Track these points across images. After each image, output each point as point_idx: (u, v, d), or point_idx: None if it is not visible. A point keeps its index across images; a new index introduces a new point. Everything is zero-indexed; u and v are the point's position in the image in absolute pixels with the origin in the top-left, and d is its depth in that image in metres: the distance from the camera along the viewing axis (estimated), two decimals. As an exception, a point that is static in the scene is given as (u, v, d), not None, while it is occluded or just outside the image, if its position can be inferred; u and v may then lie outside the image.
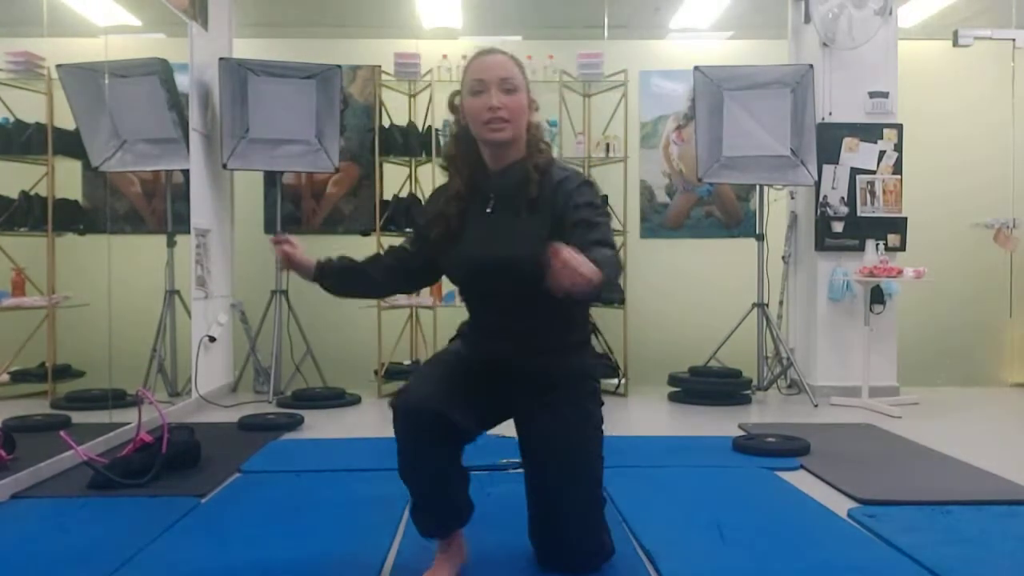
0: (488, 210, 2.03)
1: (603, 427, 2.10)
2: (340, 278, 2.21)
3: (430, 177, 5.00)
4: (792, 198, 5.22)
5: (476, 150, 2.05)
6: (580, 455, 2.03)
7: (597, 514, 2.06)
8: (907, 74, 5.05)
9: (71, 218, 4.52)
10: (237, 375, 5.09)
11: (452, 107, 2.07)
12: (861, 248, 4.83)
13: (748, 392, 4.81)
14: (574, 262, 1.58)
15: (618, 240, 4.90)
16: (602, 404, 2.12)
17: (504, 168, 2.02)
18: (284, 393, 4.81)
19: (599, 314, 5.03)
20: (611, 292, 1.84)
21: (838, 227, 4.93)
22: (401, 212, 5.05)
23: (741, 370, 4.84)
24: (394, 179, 5.27)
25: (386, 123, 5.12)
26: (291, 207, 5.46)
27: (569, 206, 1.91)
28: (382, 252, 2.28)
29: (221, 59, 4.73)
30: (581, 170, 5.16)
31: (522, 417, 2.08)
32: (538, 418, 2.03)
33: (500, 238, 1.99)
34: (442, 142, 2.43)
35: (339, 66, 4.83)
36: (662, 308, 5.49)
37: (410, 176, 5.30)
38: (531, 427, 2.06)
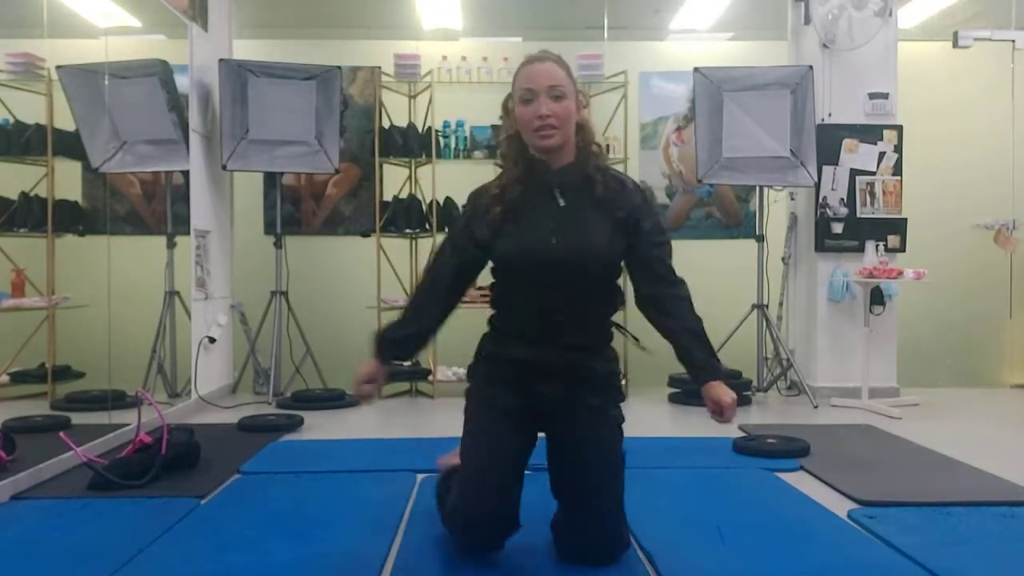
0: (561, 203, 2.06)
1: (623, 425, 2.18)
2: (415, 342, 2.24)
3: (430, 178, 5.00)
4: (792, 199, 5.22)
5: (528, 149, 2.10)
6: (610, 457, 2.10)
7: (621, 510, 2.13)
8: (907, 75, 5.05)
9: (71, 219, 4.52)
10: (237, 376, 5.08)
11: (505, 110, 2.14)
12: (861, 249, 4.83)
13: (748, 393, 4.81)
14: (734, 402, 2.02)
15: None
16: (624, 400, 2.20)
17: (562, 168, 2.09)
18: (284, 394, 4.81)
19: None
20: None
21: (838, 228, 4.93)
22: (401, 213, 5.06)
23: (741, 371, 4.84)
24: (394, 180, 5.27)
25: (386, 124, 5.12)
26: (291, 208, 5.46)
27: (641, 229, 2.08)
28: (433, 275, 2.22)
29: (221, 60, 4.73)
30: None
31: (552, 418, 2.11)
32: (570, 421, 2.09)
33: (575, 229, 2.04)
34: (497, 141, 2.44)
35: (339, 67, 4.83)
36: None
37: (410, 177, 5.30)
38: (562, 429, 2.11)
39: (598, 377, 2.12)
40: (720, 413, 2.04)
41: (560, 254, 2.03)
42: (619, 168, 5.05)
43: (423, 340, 2.23)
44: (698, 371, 2.07)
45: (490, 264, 2.16)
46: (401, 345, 2.21)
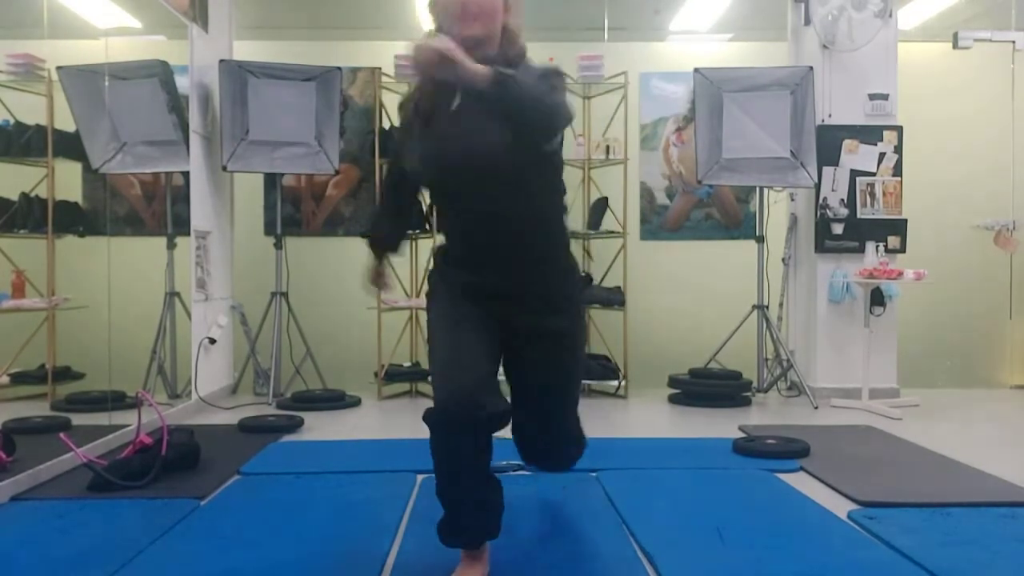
0: (453, 107, 1.94)
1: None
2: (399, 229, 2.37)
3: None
4: (792, 200, 5.22)
5: None
6: (571, 377, 2.15)
7: (577, 419, 2.19)
8: (907, 76, 5.05)
9: (71, 220, 4.52)
10: (237, 377, 5.08)
11: (430, 7, 2.00)
12: (861, 250, 4.83)
13: (748, 394, 4.81)
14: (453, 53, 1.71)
15: (618, 242, 5.00)
16: (584, 321, 2.28)
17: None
18: (284, 395, 4.81)
19: (599, 316, 5.04)
20: (538, 114, 1.84)
21: (838, 229, 4.93)
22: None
23: (741, 372, 4.84)
24: (394, 181, 5.27)
25: (386, 125, 5.12)
26: (291, 209, 5.47)
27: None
28: (387, 190, 2.39)
29: (221, 61, 4.73)
30: (581, 169, 5.22)
31: (514, 338, 2.05)
32: (533, 343, 2.06)
33: (469, 131, 1.92)
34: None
35: (339, 68, 4.84)
36: (662, 310, 5.49)
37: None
38: (524, 347, 2.07)
39: (556, 295, 2.06)
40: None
41: (456, 158, 1.94)
42: (619, 169, 5.10)
43: (402, 235, 2.43)
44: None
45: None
46: (388, 242, 2.32)
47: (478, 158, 1.92)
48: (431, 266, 2.21)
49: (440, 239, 2.16)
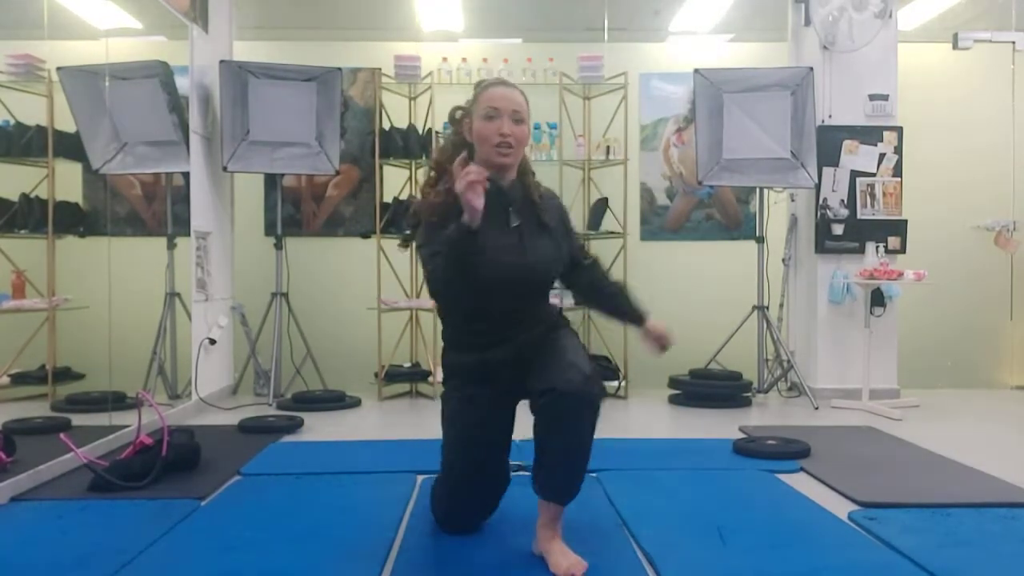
0: (516, 221, 2.22)
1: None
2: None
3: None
4: (792, 200, 5.22)
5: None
6: (571, 342, 2.21)
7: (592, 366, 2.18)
8: (907, 77, 5.06)
9: (71, 220, 4.52)
10: (237, 378, 5.09)
11: (453, 120, 2.28)
12: (861, 250, 4.84)
13: (748, 395, 4.81)
14: (669, 335, 2.39)
15: (618, 243, 5.00)
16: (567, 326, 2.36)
17: (511, 185, 2.24)
18: (284, 395, 4.81)
19: (599, 317, 5.03)
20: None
21: (838, 229, 4.93)
22: (401, 214, 5.05)
23: (741, 373, 4.85)
24: (394, 181, 5.28)
25: (386, 126, 5.12)
26: (291, 209, 5.47)
27: (571, 230, 2.42)
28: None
29: (222, 62, 4.73)
30: (580, 170, 5.23)
31: (519, 370, 2.18)
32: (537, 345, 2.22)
33: (536, 243, 2.23)
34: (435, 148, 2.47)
35: (339, 69, 4.84)
36: (662, 310, 5.36)
37: (410, 178, 5.30)
38: (534, 352, 2.19)
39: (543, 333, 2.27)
40: (660, 343, 2.40)
41: (529, 270, 2.21)
42: (619, 169, 5.11)
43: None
44: (638, 314, 2.43)
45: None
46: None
47: (539, 272, 2.25)
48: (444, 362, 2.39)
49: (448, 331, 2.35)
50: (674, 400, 4.82)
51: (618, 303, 2.45)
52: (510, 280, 2.18)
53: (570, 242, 2.39)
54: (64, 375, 4.34)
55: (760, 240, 5.01)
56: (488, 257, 2.06)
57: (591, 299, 2.54)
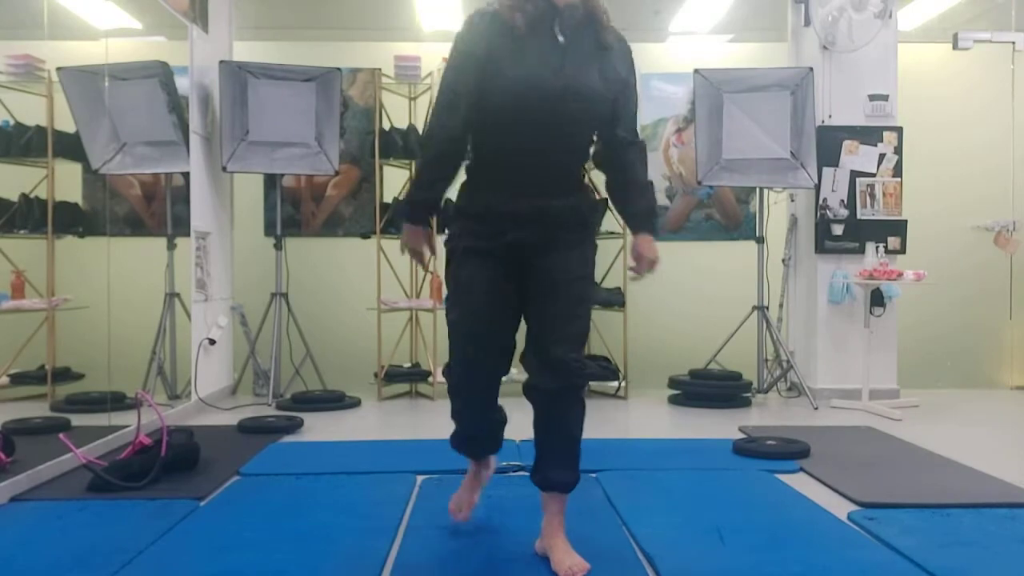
0: (560, 39, 2.00)
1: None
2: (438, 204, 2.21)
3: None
4: (792, 201, 5.22)
5: None
6: (583, 292, 2.09)
7: (585, 341, 2.13)
8: (907, 77, 5.05)
9: (71, 220, 4.52)
10: (237, 378, 5.08)
11: None
12: (861, 251, 4.84)
13: (748, 395, 4.81)
14: (655, 260, 2.07)
15: (618, 243, 4.99)
16: (595, 248, 2.19)
17: (567, 5, 2.01)
18: (283, 396, 4.81)
19: (599, 317, 5.03)
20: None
21: (838, 230, 4.93)
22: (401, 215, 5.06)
23: (741, 373, 4.84)
24: (394, 181, 5.27)
25: (386, 126, 5.12)
26: (291, 209, 5.47)
27: (629, 84, 2.22)
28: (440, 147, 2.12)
29: (221, 62, 4.73)
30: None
31: (530, 258, 2.07)
32: (547, 256, 2.06)
33: (576, 68, 2.01)
34: None
35: (339, 69, 4.84)
36: (662, 311, 5.49)
37: (410, 178, 5.30)
38: (540, 264, 2.06)
39: (574, 222, 2.10)
40: (638, 263, 2.12)
41: (560, 93, 1.98)
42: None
43: (441, 201, 2.22)
44: (635, 220, 2.15)
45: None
46: (433, 205, 2.19)
47: (570, 102, 1.99)
48: (447, 229, 2.21)
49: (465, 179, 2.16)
50: (674, 400, 4.82)
51: (628, 192, 2.18)
52: (535, 99, 1.97)
53: (625, 102, 2.17)
54: (63, 375, 4.34)
55: (760, 240, 5.01)
56: (515, 70, 1.95)
57: (613, 186, 2.23)
